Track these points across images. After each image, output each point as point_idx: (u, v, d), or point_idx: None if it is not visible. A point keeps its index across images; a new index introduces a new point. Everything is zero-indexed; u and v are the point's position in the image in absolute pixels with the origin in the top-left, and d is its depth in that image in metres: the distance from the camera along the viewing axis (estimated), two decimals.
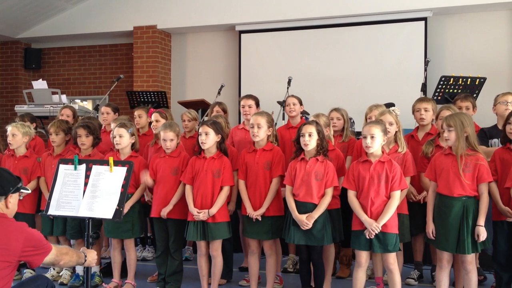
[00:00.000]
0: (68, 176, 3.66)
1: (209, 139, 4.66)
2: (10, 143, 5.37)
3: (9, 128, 5.39)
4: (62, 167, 3.70)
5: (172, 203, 4.84)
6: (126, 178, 3.57)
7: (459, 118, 4.15)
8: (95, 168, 3.64)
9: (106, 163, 3.64)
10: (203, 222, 4.64)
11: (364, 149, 4.33)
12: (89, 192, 3.58)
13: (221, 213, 4.68)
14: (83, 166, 3.66)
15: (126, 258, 5.14)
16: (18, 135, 5.35)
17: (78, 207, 3.53)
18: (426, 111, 5.10)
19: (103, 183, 3.58)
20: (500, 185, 4.36)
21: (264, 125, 4.69)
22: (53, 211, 3.65)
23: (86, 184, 3.61)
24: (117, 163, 3.65)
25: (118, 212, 3.50)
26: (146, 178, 4.90)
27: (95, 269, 5.30)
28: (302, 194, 4.39)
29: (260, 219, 4.62)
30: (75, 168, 3.66)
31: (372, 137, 4.17)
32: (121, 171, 3.61)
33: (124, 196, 3.50)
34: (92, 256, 3.51)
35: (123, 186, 3.56)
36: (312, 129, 4.39)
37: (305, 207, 4.37)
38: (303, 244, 4.44)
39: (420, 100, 5.24)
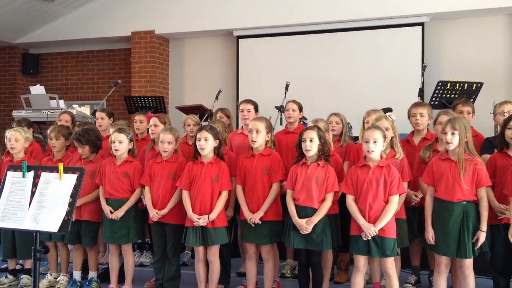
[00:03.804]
0: (16, 184, 3.31)
1: (208, 145, 4.66)
2: (12, 147, 5.32)
3: (10, 133, 5.35)
4: (10, 174, 3.35)
5: (168, 208, 4.84)
6: (76, 187, 3.22)
7: (462, 123, 4.15)
8: (44, 176, 3.29)
9: (56, 169, 3.29)
10: (202, 227, 4.64)
11: (362, 154, 4.34)
12: (36, 202, 3.23)
13: (220, 218, 4.68)
14: (31, 174, 3.31)
15: (124, 264, 5.14)
16: (20, 140, 5.34)
17: (24, 218, 3.20)
18: (421, 116, 5.10)
19: (51, 192, 3.24)
20: (496, 190, 4.37)
21: (262, 131, 4.70)
22: None
23: (33, 193, 3.26)
24: (67, 169, 3.32)
25: (64, 224, 3.16)
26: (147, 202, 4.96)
27: (93, 274, 5.29)
28: (302, 198, 4.40)
29: (260, 223, 4.62)
30: (23, 176, 3.31)
31: (374, 141, 4.17)
32: (71, 178, 3.26)
33: (73, 206, 3.19)
34: None
35: (71, 196, 3.21)
36: (313, 134, 4.40)
37: (305, 212, 4.37)
38: (303, 248, 4.44)
39: (415, 105, 5.24)
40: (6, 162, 5.40)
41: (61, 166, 3.29)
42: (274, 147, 4.88)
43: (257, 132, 4.69)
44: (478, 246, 4.10)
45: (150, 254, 6.18)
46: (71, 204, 3.22)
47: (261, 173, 4.69)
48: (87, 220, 5.15)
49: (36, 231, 3.24)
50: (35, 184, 3.29)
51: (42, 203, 3.23)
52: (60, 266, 5.49)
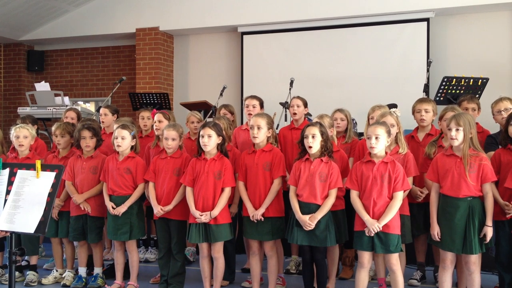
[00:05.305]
0: None
1: (211, 141, 4.66)
2: (21, 145, 5.31)
3: (18, 130, 5.33)
4: None
5: (172, 204, 4.85)
6: (54, 185, 3.04)
7: (467, 118, 4.14)
8: (20, 173, 3.10)
9: (33, 167, 3.11)
10: (205, 224, 4.64)
11: (367, 150, 4.33)
12: (11, 201, 3.04)
13: (223, 215, 4.67)
14: (7, 171, 3.12)
15: (129, 260, 5.15)
16: (29, 137, 5.35)
17: None
18: (426, 112, 5.08)
19: (28, 190, 3.05)
20: (500, 186, 4.36)
21: (264, 127, 4.69)
22: None
23: (9, 191, 3.08)
24: (45, 167, 3.13)
25: (41, 225, 2.99)
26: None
27: (98, 270, 5.31)
28: (305, 194, 4.39)
29: (262, 219, 4.61)
30: None
31: (376, 137, 4.17)
32: (49, 176, 3.07)
33: (50, 206, 3.01)
34: None
35: (49, 195, 3.03)
36: (315, 130, 4.39)
37: (309, 208, 4.37)
38: (306, 244, 4.44)
39: (420, 100, 5.22)
40: (11, 159, 5.42)
41: (38, 163, 3.12)
42: (276, 143, 4.87)
43: (258, 128, 4.68)
44: (487, 241, 4.10)
45: (155, 250, 6.19)
46: (49, 204, 3.03)
47: (262, 169, 4.68)
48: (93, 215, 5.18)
49: (11, 232, 3.06)
50: (11, 182, 3.12)
51: (18, 203, 3.06)
52: (65, 262, 5.51)
